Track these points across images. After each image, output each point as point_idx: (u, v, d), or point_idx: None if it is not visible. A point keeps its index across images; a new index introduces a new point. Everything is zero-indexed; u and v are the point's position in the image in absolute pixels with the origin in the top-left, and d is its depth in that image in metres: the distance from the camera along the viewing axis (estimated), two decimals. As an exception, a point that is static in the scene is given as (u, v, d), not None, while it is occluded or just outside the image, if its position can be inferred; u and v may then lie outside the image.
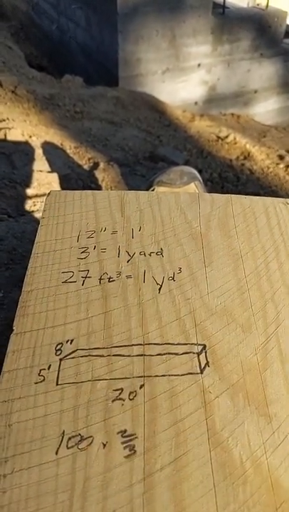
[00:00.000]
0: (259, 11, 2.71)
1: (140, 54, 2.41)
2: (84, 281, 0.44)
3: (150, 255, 0.47)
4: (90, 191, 0.56)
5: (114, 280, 0.44)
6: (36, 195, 1.27)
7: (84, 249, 0.48)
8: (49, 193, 0.56)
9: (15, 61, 2.37)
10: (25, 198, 1.26)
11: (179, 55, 2.53)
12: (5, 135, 1.50)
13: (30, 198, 1.25)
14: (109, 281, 0.44)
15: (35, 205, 1.24)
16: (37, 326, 0.40)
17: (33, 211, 1.22)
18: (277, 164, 2.05)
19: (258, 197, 0.56)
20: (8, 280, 0.95)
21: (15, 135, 1.53)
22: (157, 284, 0.44)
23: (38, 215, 1.19)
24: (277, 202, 0.56)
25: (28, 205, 1.23)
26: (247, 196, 0.56)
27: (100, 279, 0.44)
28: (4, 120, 1.62)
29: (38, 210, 1.22)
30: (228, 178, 1.82)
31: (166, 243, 0.49)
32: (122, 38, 2.32)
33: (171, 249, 0.48)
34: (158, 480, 0.30)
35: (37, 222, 0.45)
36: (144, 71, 2.46)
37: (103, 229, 0.50)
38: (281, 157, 2.14)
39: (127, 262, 0.46)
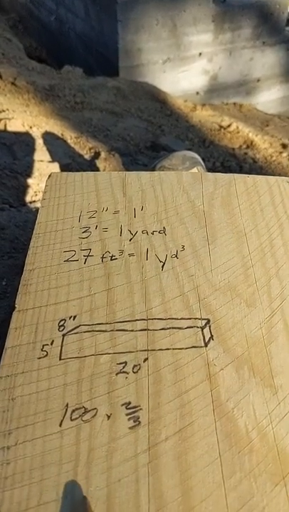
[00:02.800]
0: (260, -2, 2.67)
1: (140, 44, 2.38)
2: (86, 259, 0.44)
3: (153, 234, 0.47)
4: (91, 172, 0.56)
5: (116, 258, 0.44)
6: (37, 185, 1.26)
7: (86, 229, 0.47)
8: (50, 175, 0.56)
9: (14, 53, 2.36)
10: (26, 187, 1.25)
11: (180, 45, 2.50)
12: (5, 126, 1.49)
13: (31, 187, 1.25)
14: (111, 260, 0.44)
15: (36, 195, 1.23)
16: (39, 303, 0.39)
17: (34, 201, 1.21)
18: (281, 153, 2.03)
19: (261, 176, 0.55)
20: (11, 269, 0.95)
21: (15, 126, 1.52)
22: (160, 261, 0.44)
23: (39, 204, 1.19)
24: (281, 180, 0.55)
25: (30, 195, 1.23)
26: (250, 175, 0.55)
27: (103, 257, 0.44)
28: (4, 111, 1.61)
29: (39, 199, 1.22)
30: (230, 167, 1.81)
31: (169, 222, 0.48)
32: (122, 28, 2.29)
33: (174, 228, 0.47)
34: (163, 450, 0.29)
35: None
36: (144, 61, 2.43)
37: (105, 209, 0.50)
38: (284, 146, 2.12)
39: (130, 240, 0.46)
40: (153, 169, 0.87)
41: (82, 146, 1.61)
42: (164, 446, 0.30)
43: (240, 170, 1.79)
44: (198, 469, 0.29)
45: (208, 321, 0.38)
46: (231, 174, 0.55)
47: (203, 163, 0.90)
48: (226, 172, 1.76)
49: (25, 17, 3.45)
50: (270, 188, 0.53)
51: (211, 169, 1.75)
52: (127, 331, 0.37)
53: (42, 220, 0.49)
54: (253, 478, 0.28)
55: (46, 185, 0.54)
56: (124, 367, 0.34)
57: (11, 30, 3.15)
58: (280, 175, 1.84)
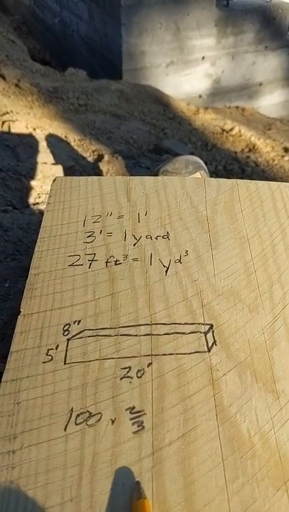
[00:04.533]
0: (263, 2, 2.68)
1: (144, 47, 2.39)
2: (90, 264, 0.44)
3: (156, 239, 0.47)
4: (95, 177, 0.56)
5: (120, 263, 0.44)
6: (41, 187, 1.27)
7: (90, 234, 0.48)
8: (55, 179, 0.56)
9: (18, 55, 2.37)
10: (30, 190, 1.26)
11: (183, 48, 2.51)
12: (9, 128, 1.50)
13: (34, 189, 1.25)
14: (115, 264, 0.44)
15: (39, 197, 1.24)
16: (44, 308, 0.40)
17: (38, 203, 1.22)
18: (283, 157, 2.04)
19: (263, 181, 0.56)
20: (15, 270, 0.96)
21: (19, 128, 1.53)
22: (164, 266, 0.44)
23: (42, 206, 1.19)
24: (283, 186, 0.55)
25: (33, 197, 1.23)
26: (253, 181, 0.56)
27: (107, 262, 0.45)
28: (8, 113, 1.62)
29: (42, 202, 1.22)
30: (233, 170, 1.81)
31: (173, 227, 0.49)
32: (126, 31, 2.30)
33: (178, 233, 0.48)
34: (167, 454, 0.30)
35: (42, 213, 0.46)
36: (148, 64, 2.44)
37: (109, 213, 0.50)
38: (286, 149, 2.13)
39: (134, 245, 0.46)
40: (156, 173, 0.88)
41: (86, 148, 1.61)
42: (168, 450, 0.30)
43: (243, 173, 1.80)
44: (201, 474, 0.29)
45: (212, 326, 0.38)
46: (234, 180, 0.56)
47: (206, 168, 0.91)
48: (228, 175, 1.76)
49: (29, 19, 3.47)
50: (272, 194, 0.54)
51: (214, 172, 1.75)
52: (131, 335, 0.37)
53: (47, 224, 0.49)
54: (255, 482, 0.29)
55: (51, 190, 0.54)
56: (128, 372, 0.34)
57: (15, 32, 3.17)
58: (282, 178, 1.85)
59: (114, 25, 2.36)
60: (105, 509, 0.27)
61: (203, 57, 2.60)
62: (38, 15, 3.37)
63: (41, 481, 0.29)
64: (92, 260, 0.45)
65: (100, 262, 0.44)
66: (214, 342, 0.37)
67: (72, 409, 0.32)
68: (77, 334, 0.37)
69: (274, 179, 1.82)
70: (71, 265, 0.44)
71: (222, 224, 0.49)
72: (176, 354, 0.36)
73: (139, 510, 0.27)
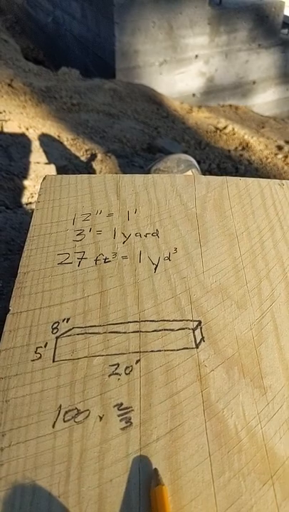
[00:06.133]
0: (256, 0, 2.68)
1: (137, 46, 2.39)
2: (80, 262, 0.44)
3: (146, 236, 0.47)
4: (85, 175, 0.56)
5: (110, 261, 0.44)
6: (34, 187, 1.26)
7: (80, 232, 0.48)
8: (44, 178, 0.56)
9: (11, 54, 2.36)
10: (22, 189, 1.26)
11: (176, 47, 2.51)
12: (1, 127, 1.50)
13: (27, 189, 1.25)
14: (105, 262, 0.44)
15: (32, 197, 1.24)
16: (33, 306, 0.40)
17: (30, 202, 1.21)
18: (276, 155, 2.04)
19: (253, 178, 0.56)
20: (7, 270, 0.96)
21: (12, 127, 1.52)
22: (153, 263, 0.44)
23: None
24: (272, 183, 0.56)
25: (26, 197, 1.23)
26: (242, 178, 0.56)
27: (96, 260, 0.45)
28: (1, 113, 1.62)
29: (35, 201, 1.22)
30: (226, 168, 1.81)
31: (162, 224, 0.49)
32: (119, 30, 2.30)
33: (167, 230, 0.48)
34: (154, 450, 0.30)
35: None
36: (141, 63, 2.44)
37: (99, 212, 0.50)
38: (280, 147, 2.13)
39: (123, 243, 0.47)
40: (148, 172, 0.88)
41: (79, 147, 1.61)
42: (155, 446, 0.30)
43: (236, 171, 1.80)
44: (188, 469, 0.29)
45: (200, 322, 0.38)
46: (224, 177, 0.56)
47: (198, 166, 0.91)
48: (221, 174, 1.77)
49: (22, 18, 3.45)
50: (261, 191, 0.54)
51: (207, 171, 1.76)
52: (119, 333, 0.37)
53: (36, 222, 0.49)
54: (241, 477, 0.29)
55: (41, 188, 0.54)
56: (116, 368, 0.35)
57: (8, 31, 3.15)
58: (275, 176, 1.85)
59: (107, 24, 2.35)
60: (92, 505, 0.27)
61: (196, 56, 2.60)
62: (31, 14, 3.36)
63: (29, 478, 0.29)
64: (82, 258, 0.45)
65: (89, 260, 0.44)
66: (202, 338, 0.37)
67: (60, 407, 0.32)
68: (66, 332, 0.37)
69: (267, 177, 1.83)
70: (60, 263, 0.44)
71: (211, 221, 0.49)
72: (165, 351, 0.36)
73: (157, 497, 0.27)
